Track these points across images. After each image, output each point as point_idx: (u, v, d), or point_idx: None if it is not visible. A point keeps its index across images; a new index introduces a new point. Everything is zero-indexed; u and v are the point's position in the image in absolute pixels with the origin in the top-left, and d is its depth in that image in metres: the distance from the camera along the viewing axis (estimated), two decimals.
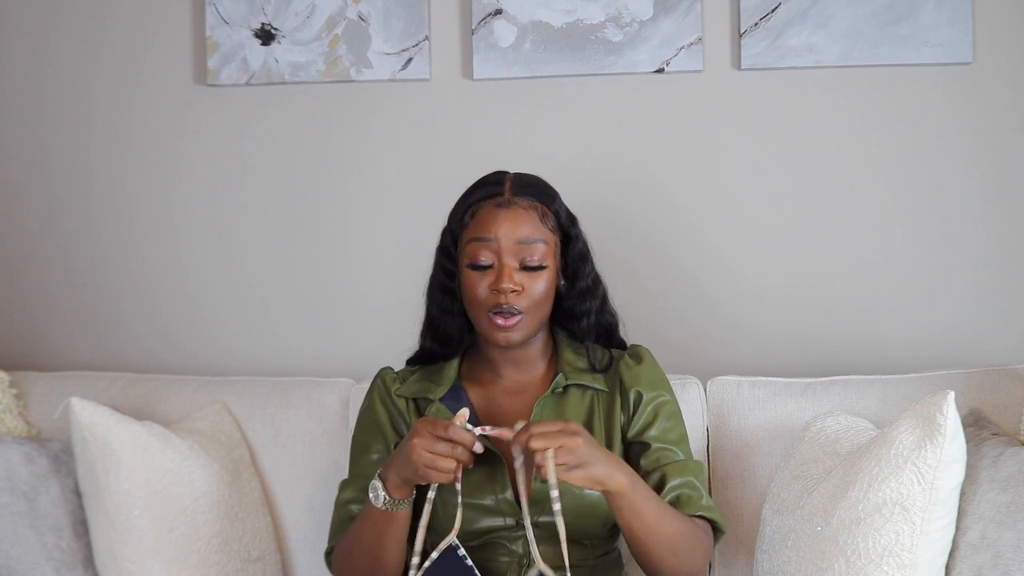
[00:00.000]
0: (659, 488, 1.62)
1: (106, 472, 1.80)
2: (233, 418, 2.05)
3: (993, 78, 2.15)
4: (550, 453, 1.41)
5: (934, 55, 2.14)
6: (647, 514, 1.52)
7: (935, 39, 2.13)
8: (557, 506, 1.45)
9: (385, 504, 1.53)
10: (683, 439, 1.70)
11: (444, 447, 1.46)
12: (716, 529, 1.65)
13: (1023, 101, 2.15)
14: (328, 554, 1.70)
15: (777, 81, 2.19)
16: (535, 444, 1.42)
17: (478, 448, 1.48)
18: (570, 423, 1.46)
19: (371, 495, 1.54)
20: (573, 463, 1.43)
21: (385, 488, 1.53)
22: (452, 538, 1.52)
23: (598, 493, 1.55)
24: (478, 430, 1.48)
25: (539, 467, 1.42)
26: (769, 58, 2.17)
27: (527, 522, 1.51)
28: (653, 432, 1.67)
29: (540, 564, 1.48)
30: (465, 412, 1.49)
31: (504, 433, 1.47)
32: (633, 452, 1.67)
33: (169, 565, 1.80)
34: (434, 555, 1.52)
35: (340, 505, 1.70)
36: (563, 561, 1.49)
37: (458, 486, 1.50)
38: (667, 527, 1.54)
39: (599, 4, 2.20)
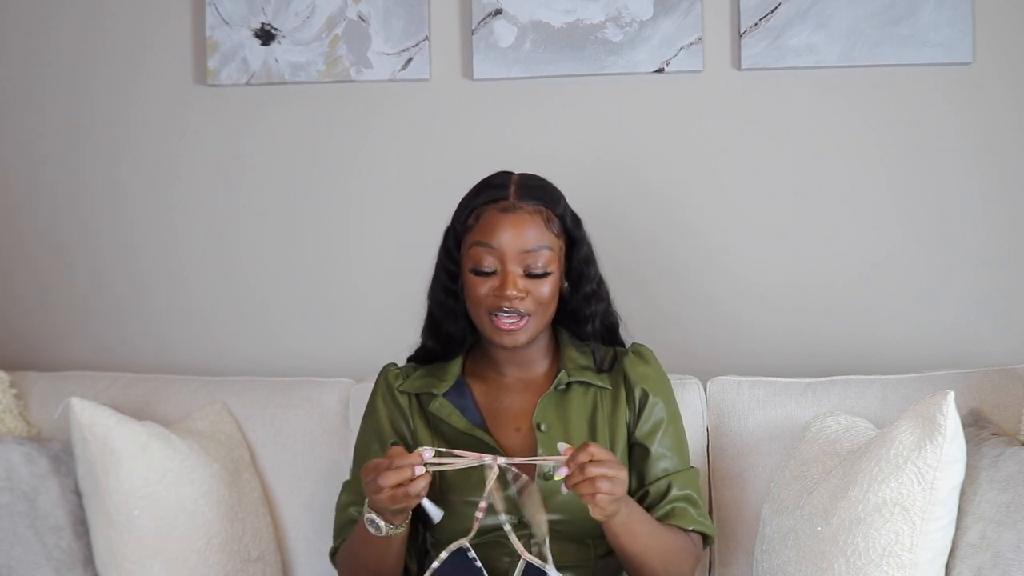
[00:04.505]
0: (663, 496, 1.65)
1: (106, 472, 1.80)
2: (233, 418, 2.05)
3: (993, 78, 2.15)
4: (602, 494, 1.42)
5: (934, 55, 2.13)
6: (640, 537, 1.56)
7: (935, 39, 2.13)
8: (546, 527, 1.48)
9: (388, 532, 1.52)
10: (684, 445, 1.72)
11: (392, 479, 1.42)
12: (706, 536, 1.69)
13: (1023, 101, 2.15)
14: (332, 553, 1.72)
15: (777, 81, 2.19)
16: (596, 474, 1.40)
17: (428, 455, 1.44)
18: (614, 457, 1.45)
19: (371, 529, 1.52)
20: (618, 495, 1.44)
21: (384, 519, 1.51)
22: (463, 541, 1.53)
23: None
24: (512, 461, 1.47)
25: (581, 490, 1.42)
26: (769, 58, 2.17)
27: (506, 527, 1.51)
28: (658, 437, 1.68)
29: (525, 555, 1.49)
30: (430, 451, 1.46)
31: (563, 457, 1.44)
32: (636, 454, 1.68)
33: (169, 565, 1.80)
34: (444, 555, 1.53)
35: (341, 508, 1.72)
36: (564, 559, 1.55)
37: (482, 503, 1.49)
38: (659, 546, 1.59)
39: (599, 4, 2.20)
